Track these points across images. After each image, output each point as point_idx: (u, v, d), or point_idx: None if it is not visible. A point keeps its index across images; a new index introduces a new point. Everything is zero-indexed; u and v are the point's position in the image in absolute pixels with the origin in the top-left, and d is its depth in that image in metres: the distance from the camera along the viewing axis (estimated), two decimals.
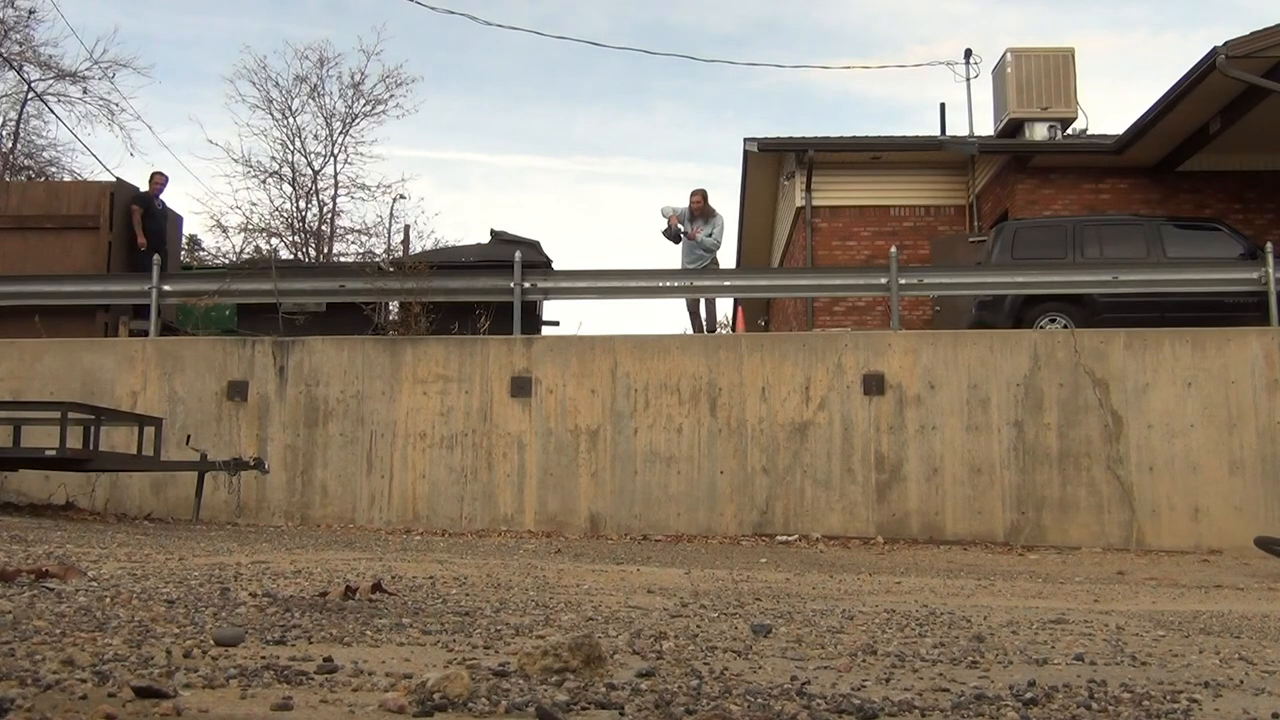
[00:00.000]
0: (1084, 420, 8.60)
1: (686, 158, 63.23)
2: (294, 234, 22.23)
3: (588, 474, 8.81)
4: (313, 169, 22.42)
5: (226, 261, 20.53)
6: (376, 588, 3.22)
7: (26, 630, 2.20)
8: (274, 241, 21.75)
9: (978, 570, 6.44)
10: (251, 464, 8.27)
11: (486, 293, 9.96)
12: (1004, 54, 15.21)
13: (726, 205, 25.24)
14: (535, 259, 10.37)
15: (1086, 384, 8.65)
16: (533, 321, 10.31)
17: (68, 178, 20.15)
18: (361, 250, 22.80)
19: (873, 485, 8.63)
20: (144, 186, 11.61)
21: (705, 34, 55.53)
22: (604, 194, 60.25)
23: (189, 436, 8.47)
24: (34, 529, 5.88)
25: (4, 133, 20.40)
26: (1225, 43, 10.80)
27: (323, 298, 10.51)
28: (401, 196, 28.13)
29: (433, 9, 21.36)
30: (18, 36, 19.22)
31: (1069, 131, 15.00)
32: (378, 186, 26.23)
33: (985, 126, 15.89)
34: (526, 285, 9.80)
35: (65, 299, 10.26)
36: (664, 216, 11.24)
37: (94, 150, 53.86)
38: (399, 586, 3.49)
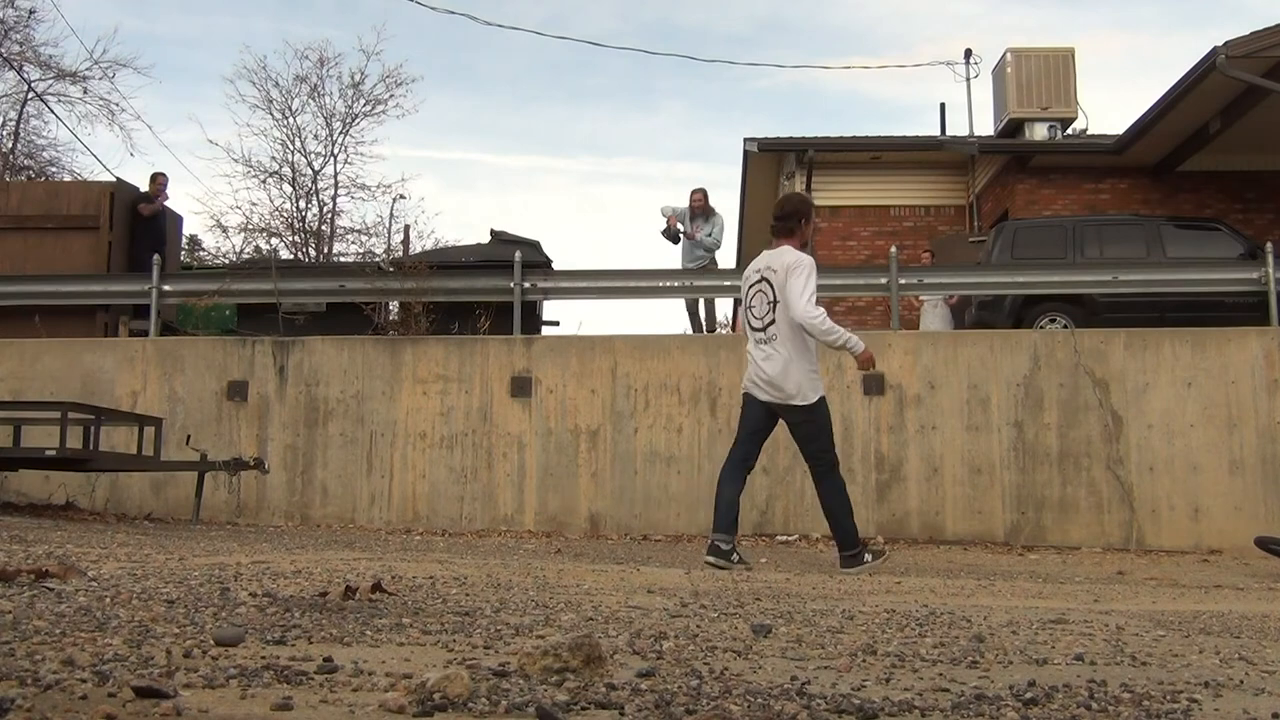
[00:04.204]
0: (1084, 420, 8.60)
1: (692, 158, 63.18)
2: (294, 234, 22.27)
3: (588, 474, 8.81)
4: (313, 169, 22.47)
5: (226, 261, 20.56)
6: (376, 588, 3.22)
7: (26, 630, 2.20)
8: (274, 241, 21.81)
9: (978, 570, 6.44)
10: (251, 464, 8.26)
11: (486, 293, 9.97)
12: (1004, 54, 15.23)
13: (728, 205, 25.20)
14: (535, 259, 10.38)
15: (1086, 384, 8.65)
16: (533, 321, 10.31)
17: (68, 178, 20.16)
18: (361, 250, 22.86)
19: (873, 485, 8.63)
20: (144, 187, 11.63)
21: (712, 34, 55.38)
22: (609, 194, 60.18)
23: (189, 436, 8.47)
24: (34, 529, 5.88)
25: (4, 133, 20.43)
26: (1225, 43, 10.80)
27: (323, 298, 10.52)
28: (401, 197, 28.18)
29: (433, 9, 21.36)
30: (18, 36, 19.26)
31: (1069, 131, 15.01)
32: (378, 186, 26.28)
33: (985, 126, 15.92)
34: (526, 285, 9.80)
35: (65, 299, 10.26)
36: (663, 216, 11.24)
37: (94, 150, 53.90)
38: (399, 586, 3.49)
